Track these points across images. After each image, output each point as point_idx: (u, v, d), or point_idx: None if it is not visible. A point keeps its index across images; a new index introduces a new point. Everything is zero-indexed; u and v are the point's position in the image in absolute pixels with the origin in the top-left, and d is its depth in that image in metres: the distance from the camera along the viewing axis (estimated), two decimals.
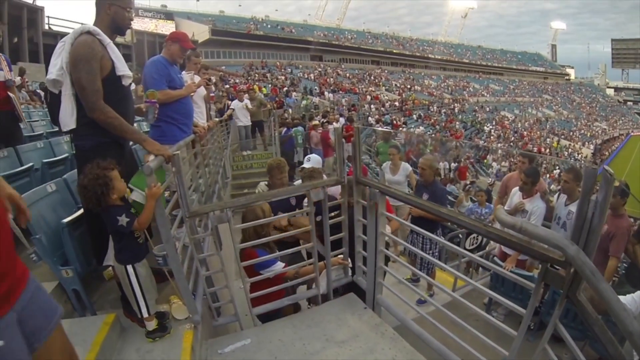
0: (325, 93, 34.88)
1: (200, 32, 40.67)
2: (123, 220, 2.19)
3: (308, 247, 3.05)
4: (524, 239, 1.60)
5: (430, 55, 66.18)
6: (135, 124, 3.27)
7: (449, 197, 10.85)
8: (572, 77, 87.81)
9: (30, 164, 3.90)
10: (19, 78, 8.72)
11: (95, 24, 2.55)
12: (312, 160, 4.25)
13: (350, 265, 3.27)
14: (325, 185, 2.85)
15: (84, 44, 2.37)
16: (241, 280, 2.83)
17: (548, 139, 44.79)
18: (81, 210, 2.77)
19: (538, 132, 46.15)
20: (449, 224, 5.42)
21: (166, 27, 41.07)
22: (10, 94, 4.38)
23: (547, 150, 39.88)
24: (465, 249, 5.25)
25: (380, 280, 2.92)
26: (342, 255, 3.19)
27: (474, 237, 5.69)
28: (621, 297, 2.59)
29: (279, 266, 3.05)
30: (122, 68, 2.56)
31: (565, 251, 1.33)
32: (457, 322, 2.24)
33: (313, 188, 2.80)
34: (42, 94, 10.55)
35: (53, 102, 2.57)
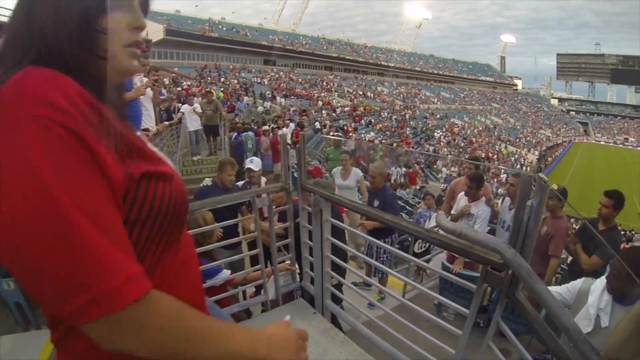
0: (277, 98, 34.78)
1: (154, 32, 39.44)
2: None
3: (253, 253, 3.04)
4: (465, 244, 1.68)
5: (383, 63, 67.83)
6: None
7: (400, 202, 11.14)
8: (520, 87, 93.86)
9: None
10: None
11: None
12: (255, 162, 4.58)
13: (298, 271, 3.30)
14: (270, 192, 2.87)
15: None
16: None
17: (496, 146, 46.99)
18: None
19: (486, 139, 48.52)
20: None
21: None
22: None
23: (495, 156, 41.84)
24: (414, 252, 5.39)
25: (328, 285, 2.96)
26: (289, 262, 3.22)
27: (422, 241, 5.87)
28: (557, 287, 2.79)
29: (225, 274, 3.04)
30: None
31: (503, 255, 1.41)
32: (406, 325, 2.29)
33: (258, 196, 2.81)
34: None
35: None
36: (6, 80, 0.64)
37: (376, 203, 4.90)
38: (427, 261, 5.32)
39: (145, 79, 4.44)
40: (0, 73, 0.66)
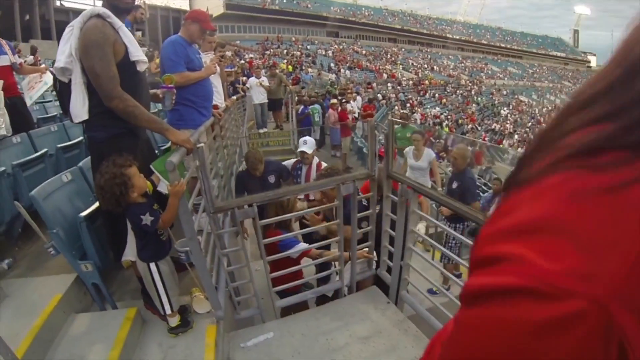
0: (342, 70, 34.39)
1: (214, 7, 39.96)
2: (147, 219, 2.10)
3: (334, 240, 2.95)
4: None
5: (448, 35, 64.92)
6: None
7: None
8: (594, 64, 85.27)
9: (45, 149, 3.73)
10: (31, 57, 8.60)
11: (104, 5, 2.35)
12: (309, 144, 4.52)
13: (376, 259, 3.18)
14: (355, 179, 2.74)
15: (94, 29, 2.18)
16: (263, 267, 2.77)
17: None
18: (97, 203, 2.65)
19: None
20: None
21: (179, 2, 40.14)
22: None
23: None
24: None
25: (407, 276, 2.83)
26: (367, 249, 3.10)
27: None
28: None
29: (303, 246, 2.99)
30: (136, 53, 2.37)
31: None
32: None
33: (343, 182, 2.68)
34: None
35: (62, 92, 2.39)
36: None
37: (455, 185, 4.77)
38: None
39: (213, 56, 4.39)
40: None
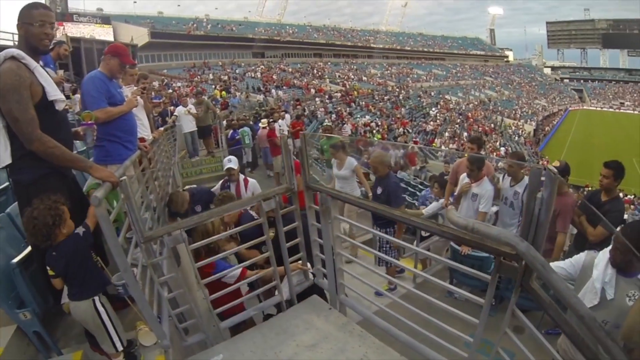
0: (270, 90, 34.66)
1: (139, 36, 39.00)
2: (79, 230, 2.20)
3: (265, 256, 3.05)
4: (477, 237, 1.69)
5: (372, 45, 67.30)
6: None
7: (402, 185, 11.12)
8: (511, 58, 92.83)
9: None
10: None
11: (18, 47, 2.38)
12: (233, 161, 5.10)
13: (311, 269, 3.33)
14: (277, 194, 2.89)
15: (9, 72, 2.21)
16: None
17: (493, 118, 46.75)
18: (29, 247, 2.64)
19: (482, 113, 48.18)
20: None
21: (103, 32, 38.62)
22: None
23: (493, 129, 41.68)
24: (421, 236, 5.41)
25: (342, 280, 3.00)
26: (300, 261, 3.25)
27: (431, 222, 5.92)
28: (561, 262, 2.83)
29: (236, 270, 3.09)
30: (54, 92, 2.42)
31: (517, 248, 1.44)
32: (418, 313, 2.32)
33: (265, 199, 2.83)
34: None
35: None
36: None
37: (379, 190, 4.94)
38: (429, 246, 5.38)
39: (134, 89, 4.42)
40: None
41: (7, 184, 4.05)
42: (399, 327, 2.61)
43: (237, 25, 54.43)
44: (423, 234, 5.41)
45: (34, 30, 2.39)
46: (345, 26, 73.49)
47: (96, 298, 2.29)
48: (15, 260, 2.50)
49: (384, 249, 4.89)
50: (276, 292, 3.20)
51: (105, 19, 40.93)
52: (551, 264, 2.96)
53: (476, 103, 53.29)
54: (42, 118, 2.30)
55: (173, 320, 2.76)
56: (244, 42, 50.93)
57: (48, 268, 2.25)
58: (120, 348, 2.33)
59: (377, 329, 2.74)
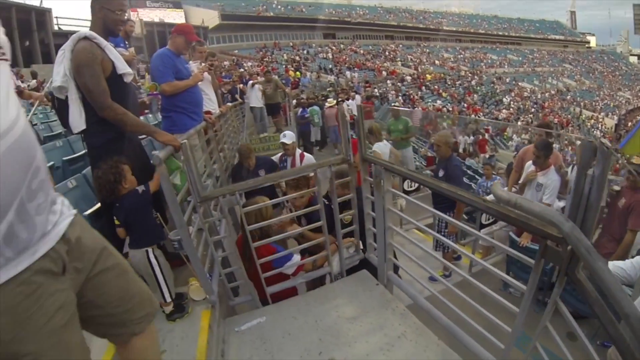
0: (342, 71, 34.65)
1: (209, 18, 40.36)
2: (140, 188, 2.42)
3: (317, 225, 3.06)
4: (522, 215, 1.58)
5: (445, 28, 64.57)
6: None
7: (468, 172, 10.75)
8: (593, 44, 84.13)
9: (51, 162, 4.04)
10: (34, 81, 8.91)
11: (91, 28, 2.63)
12: (288, 136, 5.06)
13: (361, 245, 3.34)
14: (332, 164, 2.90)
15: (83, 50, 2.45)
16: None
17: (570, 110, 43.46)
18: (99, 204, 2.91)
19: (559, 103, 44.79)
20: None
21: (175, 16, 40.60)
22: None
23: (569, 122, 38.77)
24: (481, 223, 5.20)
25: (391, 256, 2.97)
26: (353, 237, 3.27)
27: None
28: (619, 263, 2.59)
29: (296, 259, 3.11)
30: (122, 67, 2.64)
31: (560, 228, 1.31)
32: (468, 301, 2.24)
33: (319, 168, 2.86)
34: None
35: (61, 107, 2.66)
36: None
37: (441, 173, 4.77)
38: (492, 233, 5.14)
39: (201, 65, 4.66)
40: None
41: (84, 151, 4.53)
42: (444, 312, 2.55)
43: (306, 7, 54.35)
44: (483, 221, 5.21)
45: (114, 16, 2.66)
46: (417, 7, 71.03)
47: (149, 250, 2.46)
48: (87, 212, 2.80)
49: (443, 232, 4.77)
50: (326, 264, 3.24)
51: (177, 4, 42.65)
52: (609, 263, 2.73)
53: (553, 92, 49.41)
54: (112, 89, 2.53)
55: (223, 280, 2.90)
56: (314, 24, 50.87)
57: (114, 218, 2.51)
58: (168, 299, 2.52)
59: (421, 310, 2.69)
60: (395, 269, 3.08)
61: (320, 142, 12.45)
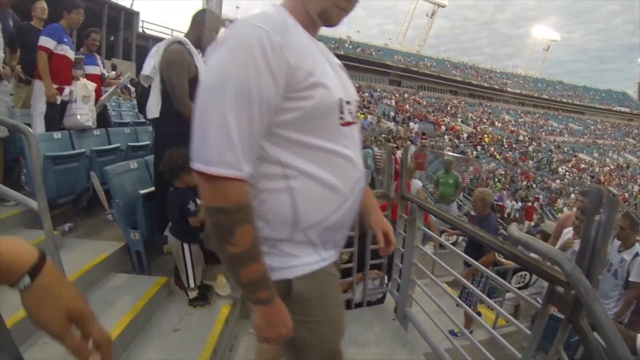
0: (402, 119, 34.89)
1: None
2: (192, 206, 2.57)
3: (349, 251, 3.13)
4: (533, 257, 1.66)
5: (509, 89, 64.04)
6: None
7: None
8: None
9: (118, 144, 4.48)
10: (113, 72, 9.71)
11: (185, 35, 3.02)
12: None
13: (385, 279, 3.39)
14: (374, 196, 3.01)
15: (176, 51, 2.80)
16: None
17: (628, 188, 41.04)
18: (153, 187, 3.19)
19: (617, 179, 42.33)
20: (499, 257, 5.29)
21: None
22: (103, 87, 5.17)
23: (627, 200, 36.56)
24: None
25: (411, 293, 3.01)
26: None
27: (521, 276, 5.51)
28: None
29: None
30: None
31: (563, 267, 1.36)
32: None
33: None
34: (132, 88, 11.67)
35: (142, 94, 3.00)
36: None
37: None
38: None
39: None
40: None
41: (147, 142, 5.03)
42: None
43: (376, 51, 55.65)
44: (513, 283, 5.09)
45: (208, 33, 3.03)
46: (484, 66, 71.28)
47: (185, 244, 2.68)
48: (142, 191, 3.07)
49: (474, 283, 4.67)
50: (350, 290, 3.31)
51: None
52: None
53: (612, 167, 47.02)
54: (191, 91, 2.83)
55: None
56: (382, 68, 51.97)
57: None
58: (192, 284, 2.70)
59: (433, 351, 2.73)
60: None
61: (370, 184, 12.53)
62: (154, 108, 2.87)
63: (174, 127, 2.86)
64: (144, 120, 7.25)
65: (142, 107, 3.06)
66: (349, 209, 1.20)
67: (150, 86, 2.89)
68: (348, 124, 1.12)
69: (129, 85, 12.16)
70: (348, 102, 1.12)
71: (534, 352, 1.81)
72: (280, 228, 1.11)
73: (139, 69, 3.18)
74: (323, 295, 1.22)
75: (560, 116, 64.08)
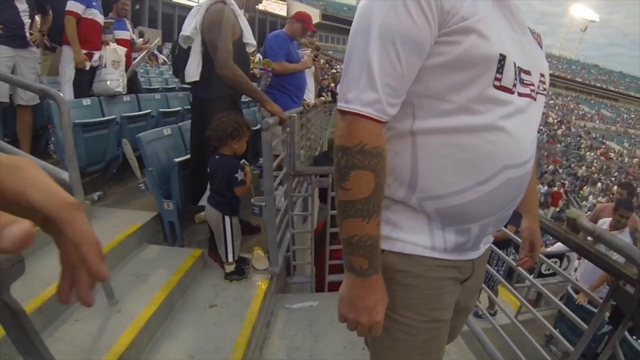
0: None
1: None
2: (240, 175, 2.45)
3: None
4: (599, 252, 1.57)
5: None
6: None
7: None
8: None
9: (149, 110, 4.37)
10: (140, 40, 9.78)
11: None
12: None
13: None
14: None
15: (220, 11, 2.61)
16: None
17: None
18: (188, 155, 3.06)
19: None
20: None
21: (277, 8, 42.23)
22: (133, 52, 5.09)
23: None
24: (540, 272, 4.94)
25: None
26: None
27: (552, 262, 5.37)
28: None
29: None
30: (249, 37, 2.82)
31: (638, 264, 1.28)
32: (510, 345, 2.18)
33: None
34: (159, 55, 11.60)
35: (180, 56, 2.80)
36: None
37: None
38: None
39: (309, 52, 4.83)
40: None
41: (179, 108, 4.93)
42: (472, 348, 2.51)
43: None
44: (543, 270, 4.96)
45: None
46: None
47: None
48: (177, 160, 2.92)
49: (496, 268, 4.50)
50: None
51: None
52: None
53: None
54: (235, 53, 2.65)
55: (289, 256, 2.98)
56: None
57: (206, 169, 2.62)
58: (230, 259, 2.58)
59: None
60: None
61: None
62: (194, 71, 2.70)
63: (215, 91, 2.72)
64: (173, 86, 7.24)
65: (178, 71, 2.89)
66: (484, 198, 0.92)
67: (189, 48, 2.71)
68: (507, 90, 0.89)
69: (155, 52, 12.11)
70: (525, 71, 0.92)
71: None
72: (395, 187, 0.95)
73: (165, 36, 3.04)
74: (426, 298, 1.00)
75: (592, 101, 61.61)
